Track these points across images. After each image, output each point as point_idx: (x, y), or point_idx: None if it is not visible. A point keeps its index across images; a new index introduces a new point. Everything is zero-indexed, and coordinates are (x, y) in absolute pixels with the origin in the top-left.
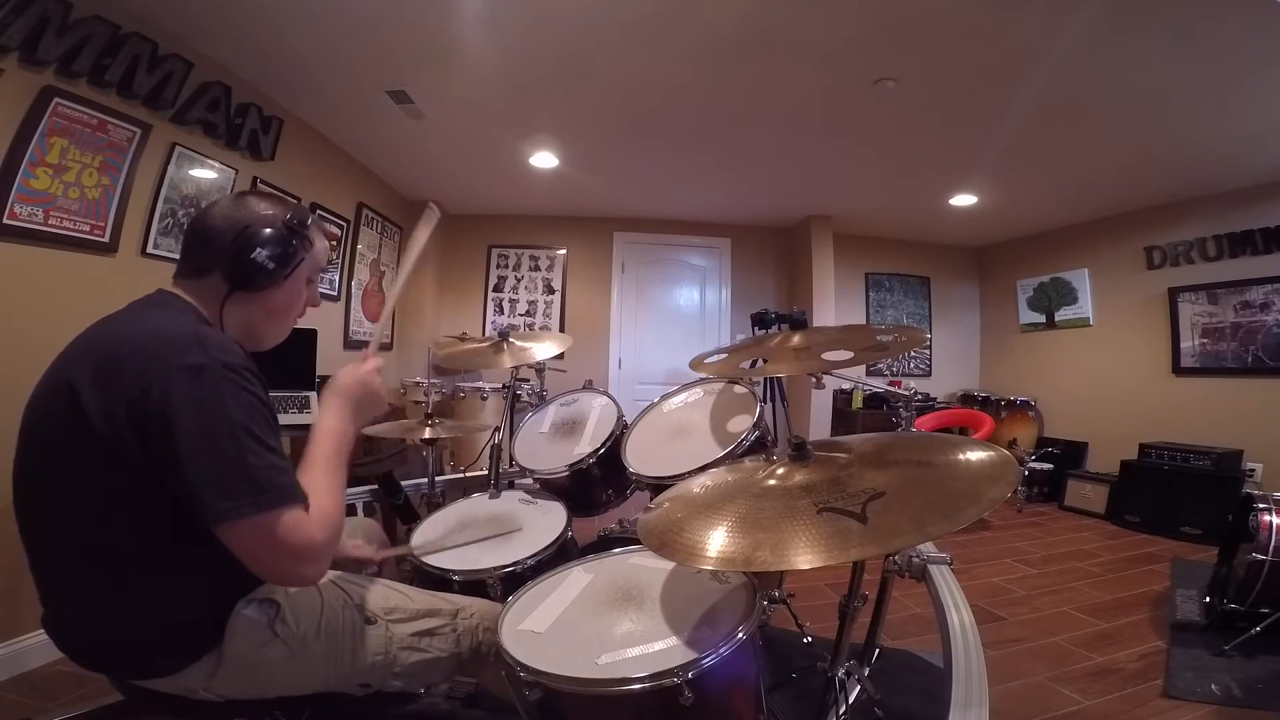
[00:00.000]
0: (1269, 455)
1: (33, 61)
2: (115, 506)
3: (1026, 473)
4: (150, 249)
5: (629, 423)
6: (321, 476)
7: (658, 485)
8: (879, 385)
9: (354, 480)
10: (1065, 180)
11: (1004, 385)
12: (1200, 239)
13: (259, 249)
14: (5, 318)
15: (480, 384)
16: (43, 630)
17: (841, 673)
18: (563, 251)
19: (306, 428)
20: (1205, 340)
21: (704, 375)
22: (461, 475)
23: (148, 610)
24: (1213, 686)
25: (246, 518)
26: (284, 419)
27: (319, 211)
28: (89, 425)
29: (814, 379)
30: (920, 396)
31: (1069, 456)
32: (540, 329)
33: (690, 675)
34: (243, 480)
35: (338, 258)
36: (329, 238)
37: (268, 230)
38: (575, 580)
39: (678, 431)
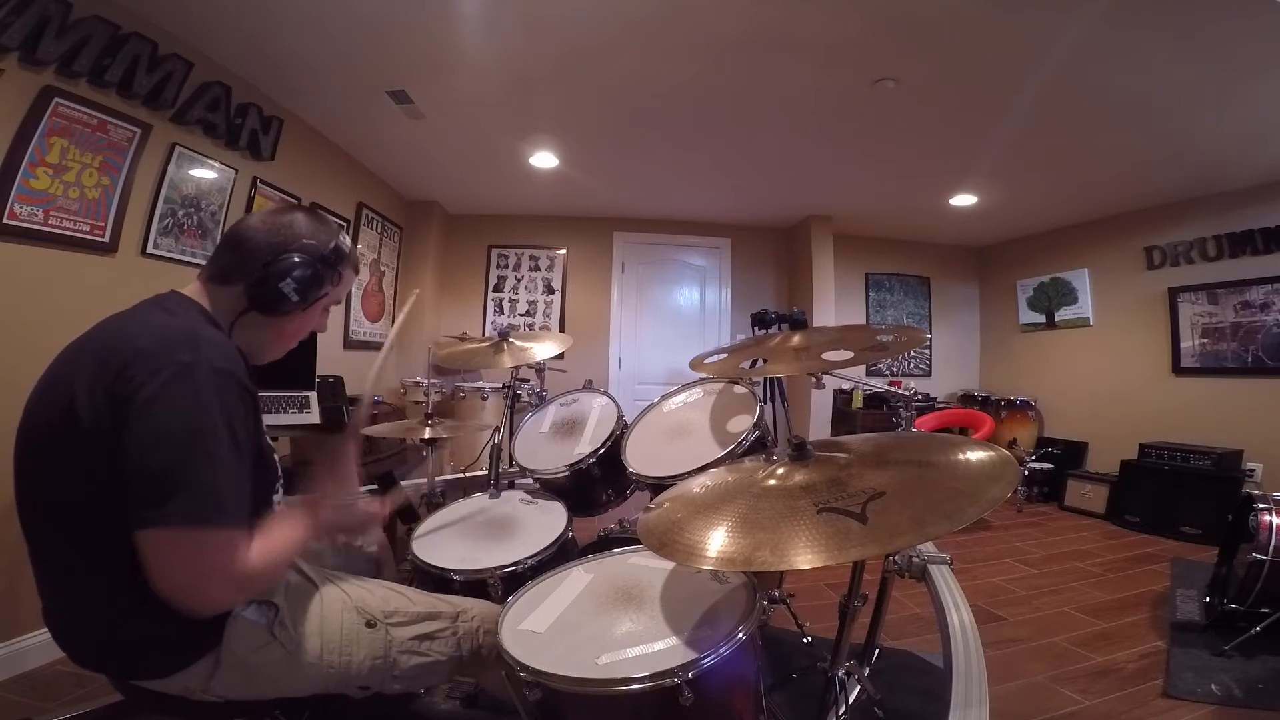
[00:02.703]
0: (1269, 455)
1: (33, 61)
2: (109, 503)
3: (1026, 473)
4: (150, 249)
5: (629, 423)
6: (285, 529)
7: (658, 485)
8: (879, 385)
9: None
10: (1065, 180)
11: (1004, 385)
12: (1200, 239)
13: (288, 279)
14: (5, 318)
15: (480, 384)
16: (43, 630)
17: (841, 673)
18: (563, 251)
19: (306, 428)
20: (1205, 340)
21: (704, 375)
22: (461, 475)
23: (146, 611)
24: (1213, 686)
25: (169, 528)
26: (284, 419)
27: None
28: (78, 419)
29: (814, 379)
30: (920, 396)
31: (1069, 456)
32: (540, 329)
33: (690, 675)
34: (180, 487)
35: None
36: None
37: (302, 260)
38: (575, 580)
39: (678, 432)
